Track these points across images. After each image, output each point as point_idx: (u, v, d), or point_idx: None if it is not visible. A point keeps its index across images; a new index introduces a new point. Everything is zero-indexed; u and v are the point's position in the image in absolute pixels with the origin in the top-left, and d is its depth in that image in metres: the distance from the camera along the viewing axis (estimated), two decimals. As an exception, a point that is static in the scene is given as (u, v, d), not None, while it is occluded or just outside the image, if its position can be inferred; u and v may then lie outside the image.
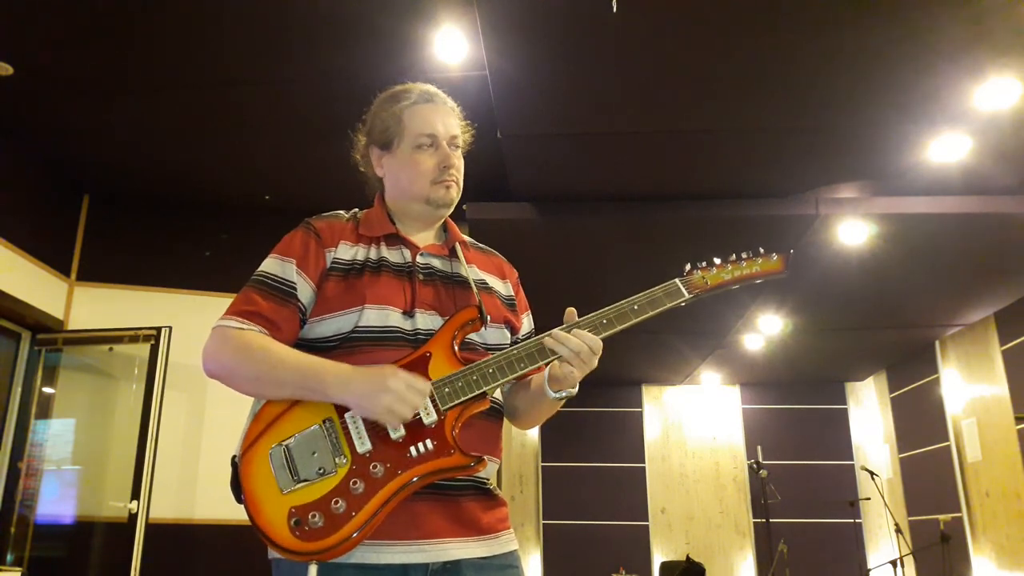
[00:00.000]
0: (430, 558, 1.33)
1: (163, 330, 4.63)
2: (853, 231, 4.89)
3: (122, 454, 4.51)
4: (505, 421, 1.57)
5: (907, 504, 7.92)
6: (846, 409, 9.11)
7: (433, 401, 1.34)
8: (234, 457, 1.35)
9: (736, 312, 6.55)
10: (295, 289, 1.44)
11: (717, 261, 1.51)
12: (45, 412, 4.77)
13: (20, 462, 4.57)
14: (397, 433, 1.31)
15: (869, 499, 7.84)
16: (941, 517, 6.55)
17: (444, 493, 1.37)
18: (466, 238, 1.64)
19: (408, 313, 1.44)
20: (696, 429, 9.12)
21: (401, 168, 1.55)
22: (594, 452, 8.82)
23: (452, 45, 3.65)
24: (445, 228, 1.62)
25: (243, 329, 1.40)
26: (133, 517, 4.28)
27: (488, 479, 1.46)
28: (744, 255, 1.51)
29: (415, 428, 1.32)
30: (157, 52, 3.76)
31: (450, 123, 1.56)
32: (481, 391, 1.37)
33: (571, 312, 1.44)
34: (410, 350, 1.39)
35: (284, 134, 4.50)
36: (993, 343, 6.53)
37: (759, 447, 7.24)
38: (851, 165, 4.49)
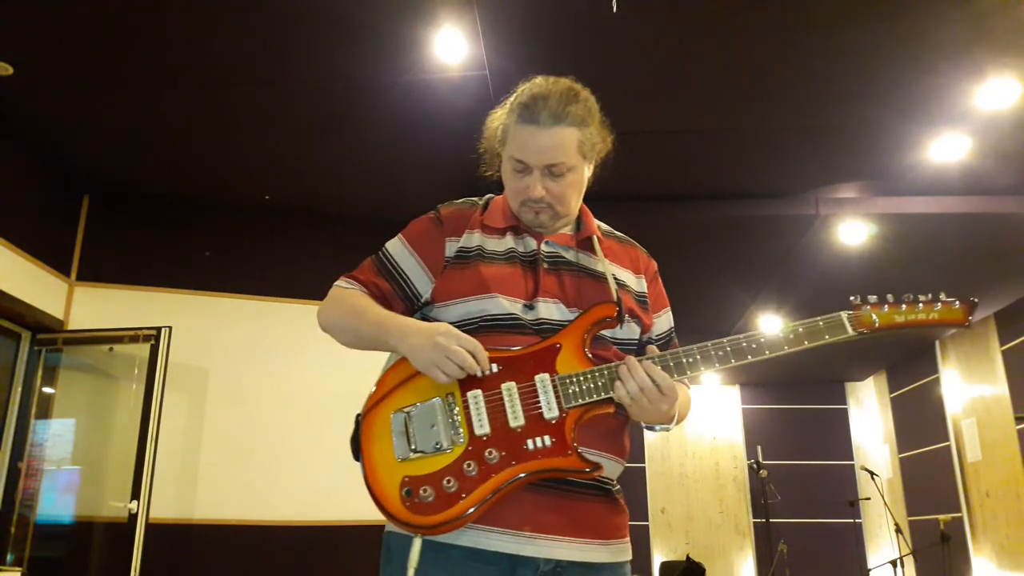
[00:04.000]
0: (540, 553, 1.30)
1: (163, 330, 4.63)
2: (853, 231, 4.89)
3: (122, 454, 4.50)
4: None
5: (907, 504, 7.92)
6: (846, 409, 9.11)
7: (556, 396, 1.32)
8: (358, 415, 1.36)
9: (736, 312, 6.55)
10: (405, 273, 1.50)
11: (890, 299, 1.42)
12: (45, 412, 4.77)
13: (20, 462, 4.57)
14: (516, 422, 1.31)
15: (869, 499, 7.84)
16: (941, 517, 6.55)
17: (564, 490, 1.34)
18: (603, 226, 1.59)
19: (529, 302, 1.41)
20: (696, 429, 9.11)
21: (503, 176, 1.52)
22: (594, 452, 8.81)
23: (452, 45, 3.65)
24: (579, 218, 1.56)
25: (346, 288, 1.51)
26: (133, 517, 4.27)
27: (611, 480, 1.43)
28: (922, 298, 1.43)
29: (535, 421, 1.31)
30: (157, 52, 3.75)
31: (548, 151, 1.42)
32: (608, 396, 1.33)
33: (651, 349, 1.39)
34: (537, 338, 1.38)
35: (284, 134, 4.50)
36: (993, 343, 6.53)
37: (759, 447, 7.24)
38: (851, 165, 4.49)
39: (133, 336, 4.67)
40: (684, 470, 8.97)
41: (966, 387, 7.00)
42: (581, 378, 1.33)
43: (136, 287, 5.04)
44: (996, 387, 6.51)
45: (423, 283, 1.47)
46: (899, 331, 1.41)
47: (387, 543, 1.38)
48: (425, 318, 1.47)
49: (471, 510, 1.26)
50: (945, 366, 7.32)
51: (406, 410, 1.33)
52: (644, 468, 8.88)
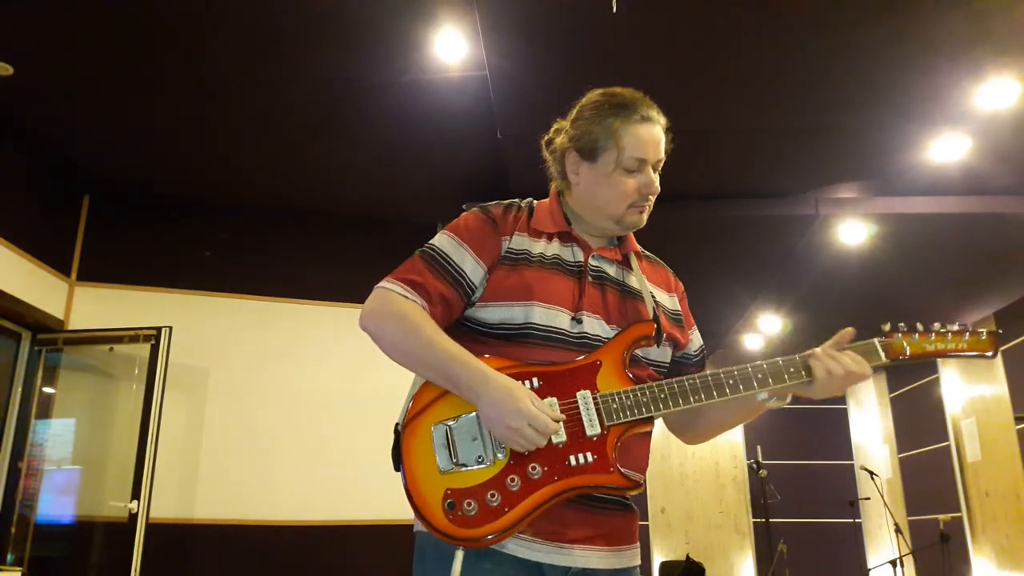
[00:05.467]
0: (572, 563, 1.35)
1: (163, 330, 4.63)
2: (853, 231, 4.89)
3: (122, 454, 4.50)
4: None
5: (907, 504, 7.92)
6: (846, 409, 9.11)
7: (598, 413, 1.34)
8: (397, 425, 1.36)
9: (736, 312, 6.54)
10: (466, 275, 1.44)
11: (920, 328, 1.46)
12: (45, 412, 4.77)
13: (20, 462, 4.57)
14: (558, 438, 1.32)
15: (869, 499, 7.84)
16: (941, 517, 6.55)
17: (591, 504, 1.38)
18: (638, 247, 1.62)
19: (575, 315, 1.42)
20: (696, 429, 9.11)
21: (600, 184, 1.49)
22: (594, 452, 8.80)
23: (452, 45, 3.65)
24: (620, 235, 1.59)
25: (406, 298, 1.40)
26: (133, 517, 4.28)
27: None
28: (951, 328, 1.46)
29: (576, 437, 1.33)
30: (158, 51, 3.76)
31: (660, 145, 1.50)
32: (650, 415, 1.36)
33: (847, 332, 1.44)
34: (577, 353, 1.39)
35: (284, 134, 4.50)
36: (993, 343, 6.53)
37: (759, 447, 7.24)
38: (851, 165, 4.49)
39: (133, 336, 4.67)
40: (684, 470, 8.96)
41: (966, 387, 7.00)
42: (623, 396, 1.35)
43: (136, 287, 5.04)
44: (996, 387, 6.51)
45: (480, 285, 1.45)
46: (927, 359, 1.46)
47: (420, 545, 1.40)
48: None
49: (515, 524, 1.28)
50: (945, 366, 7.32)
51: (448, 423, 1.34)
52: (644, 468, 8.88)
